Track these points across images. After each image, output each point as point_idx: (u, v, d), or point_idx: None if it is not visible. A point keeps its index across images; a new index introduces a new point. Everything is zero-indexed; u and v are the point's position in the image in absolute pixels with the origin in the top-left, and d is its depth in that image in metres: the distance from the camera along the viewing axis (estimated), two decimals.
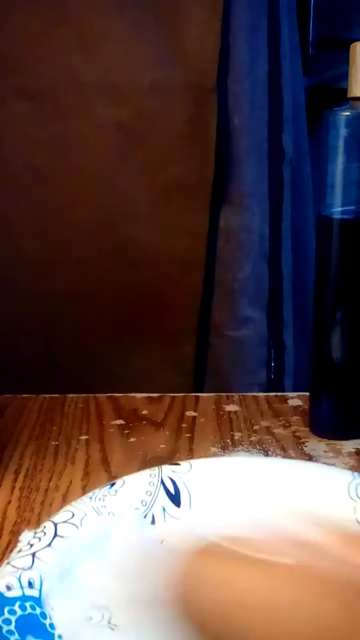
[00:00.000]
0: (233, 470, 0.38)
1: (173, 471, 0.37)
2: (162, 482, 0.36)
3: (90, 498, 0.35)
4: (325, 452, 0.50)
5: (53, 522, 0.33)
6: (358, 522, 0.35)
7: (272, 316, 0.72)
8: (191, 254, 0.67)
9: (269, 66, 0.68)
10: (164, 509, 0.36)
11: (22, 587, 0.29)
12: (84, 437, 0.52)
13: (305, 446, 0.51)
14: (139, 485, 0.36)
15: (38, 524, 0.41)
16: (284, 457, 0.49)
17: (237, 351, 0.70)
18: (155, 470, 0.37)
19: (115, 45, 0.61)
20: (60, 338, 0.69)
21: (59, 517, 0.33)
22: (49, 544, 0.31)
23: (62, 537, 0.32)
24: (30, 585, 0.29)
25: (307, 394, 0.55)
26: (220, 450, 0.50)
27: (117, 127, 0.63)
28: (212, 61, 0.63)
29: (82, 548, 0.32)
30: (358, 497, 0.35)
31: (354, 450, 0.50)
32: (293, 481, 0.37)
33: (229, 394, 0.61)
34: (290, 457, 0.49)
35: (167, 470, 0.37)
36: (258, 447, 0.50)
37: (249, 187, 0.67)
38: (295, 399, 0.59)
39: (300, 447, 0.50)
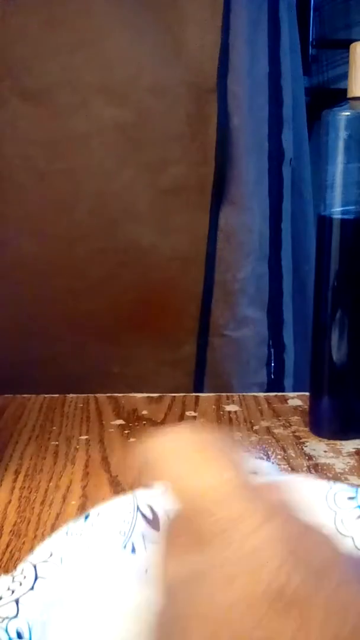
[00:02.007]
0: None
1: (148, 496, 0.35)
2: (139, 509, 0.34)
3: (67, 533, 0.33)
4: (325, 452, 0.50)
5: (32, 564, 0.31)
6: (339, 531, 0.34)
7: (272, 316, 0.72)
8: (191, 254, 0.67)
9: (269, 66, 0.68)
10: (143, 536, 0.34)
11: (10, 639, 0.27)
12: (84, 437, 0.52)
13: (305, 446, 0.51)
14: (115, 515, 0.34)
15: (38, 524, 0.41)
16: (283, 457, 0.49)
17: (237, 351, 0.70)
18: (129, 497, 0.35)
19: (115, 45, 0.61)
20: (60, 338, 0.69)
21: (36, 556, 0.31)
22: (32, 588, 0.29)
23: (44, 578, 0.30)
24: (20, 636, 0.27)
25: (307, 394, 0.55)
26: None
27: (117, 127, 0.63)
28: (212, 61, 0.63)
29: (66, 588, 0.30)
30: (337, 505, 0.35)
31: (354, 450, 0.50)
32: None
33: (229, 394, 0.61)
34: (290, 457, 0.49)
35: (142, 495, 0.35)
36: (258, 447, 0.50)
37: (249, 187, 0.67)
38: (295, 399, 0.59)
39: (300, 447, 0.50)
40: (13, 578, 0.30)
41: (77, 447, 0.51)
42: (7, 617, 0.28)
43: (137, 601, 0.31)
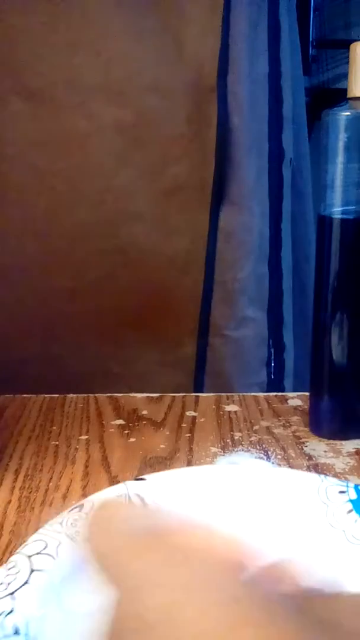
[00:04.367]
0: (201, 481, 0.36)
1: (140, 487, 0.35)
2: (130, 499, 0.34)
3: (61, 524, 0.32)
4: (325, 452, 0.50)
5: (26, 555, 0.30)
6: (330, 524, 0.34)
7: (272, 316, 0.72)
8: (191, 254, 0.67)
9: (269, 66, 0.68)
10: None
11: (7, 637, 0.26)
12: (84, 437, 0.52)
13: (305, 446, 0.51)
14: (108, 505, 0.34)
15: (38, 524, 0.41)
16: (283, 457, 0.49)
17: (237, 351, 0.70)
18: (121, 488, 0.35)
19: (115, 45, 0.61)
20: (60, 338, 0.69)
21: (30, 548, 0.30)
22: (27, 581, 0.28)
23: (39, 570, 0.29)
24: (16, 632, 0.26)
25: (307, 394, 0.55)
26: (220, 450, 0.50)
27: (117, 127, 0.63)
28: (212, 61, 0.63)
29: (61, 581, 0.29)
30: (328, 499, 0.35)
31: (354, 450, 0.50)
32: (263, 488, 0.36)
33: (229, 394, 0.61)
34: (290, 457, 0.49)
35: (134, 487, 0.35)
36: (258, 447, 0.50)
37: (249, 187, 0.67)
38: (295, 399, 0.59)
39: (300, 447, 0.50)
40: (8, 570, 0.29)
41: (77, 447, 0.51)
42: (2, 613, 0.27)
43: None
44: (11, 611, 0.27)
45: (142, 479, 0.36)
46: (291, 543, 0.34)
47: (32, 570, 0.29)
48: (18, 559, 0.30)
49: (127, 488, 0.35)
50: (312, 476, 0.36)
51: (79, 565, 0.30)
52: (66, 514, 0.33)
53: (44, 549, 0.30)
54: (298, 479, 0.36)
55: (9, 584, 0.28)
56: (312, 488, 0.35)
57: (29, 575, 0.29)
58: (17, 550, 0.30)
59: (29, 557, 0.30)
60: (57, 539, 0.31)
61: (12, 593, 0.28)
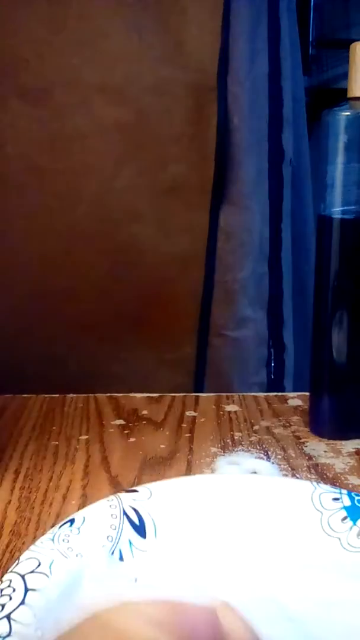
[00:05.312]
0: (194, 491, 0.36)
1: (133, 499, 0.34)
2: (125, 513, 0.34)
3: (53, 540, 0.31)
4: (325, 452, 0.50)
5: (19, 575, 0.29)
6: (325, 532, 0.34)
7: (272, 316, 0.72)
8: (191, 254, 0.67)
9: (269, 66, 0.68)
10: (130, 543, 0.33)
11: None
12: (84, 437, 0.52)
13: (305, 446, 0.51)
14: (101, 520, 0.33)
15: (38, 524, 0.41)
16: (283, 457, 0.49)
17: (237, 351, 0.70)
18: (114, 501, 0.34)
19: (115, 45, 0.61)
20: (60, 338, 0.69)
21: (23, 566, 0.29)
22: (22, 602, 0.27)
23: (34, 590, 0.28)
24: None
25: (307, 394, 0.55)
26: (220, 450, 0.50)
27: (117, 127, 0.63)
28: (212, 61, 0.63)
29: (56, 600, 0.28)
30: (323, 507, 0.35)
31: (354, 450, 0.50)
32: (256, 497, 0.36)
33: (229, 394, 0.61)
34: (290, 457, 0.49)
35: (127, 499, 0.34)
36: (258, 447, 0.50)
37: (249, 187, 0.67)
38: (295, 399, 0.59)
39: (300, 447, 0.50)
40: (1, 591, 0.28)
41: (77, 447, 0.51)
42: (0, 636, 0.26)
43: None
44: (9, 634, 0.26)
45: (134, 491, 0.35)
46: (286, 551, 0.34)
47: (26, 590, 0.28)
48: (12, 578, 0.29)
49: (121, 501, 0.34)
50: (305, 484, 0.36)
51: (73, 582, 0.30)
52: (57, 529, 0.32)
53: (37, 567, 0.30)
54: (291, 487, 0.36)
55: (4, 605, 0.27)
56: (306, 496, 0.35)
57: (24, 596, 0.28)
58: (10, 569, 0.29)
59: (23, 576, 0.29)
60: (50, 556, 0.30)
61: (8, 615, 0.27)
